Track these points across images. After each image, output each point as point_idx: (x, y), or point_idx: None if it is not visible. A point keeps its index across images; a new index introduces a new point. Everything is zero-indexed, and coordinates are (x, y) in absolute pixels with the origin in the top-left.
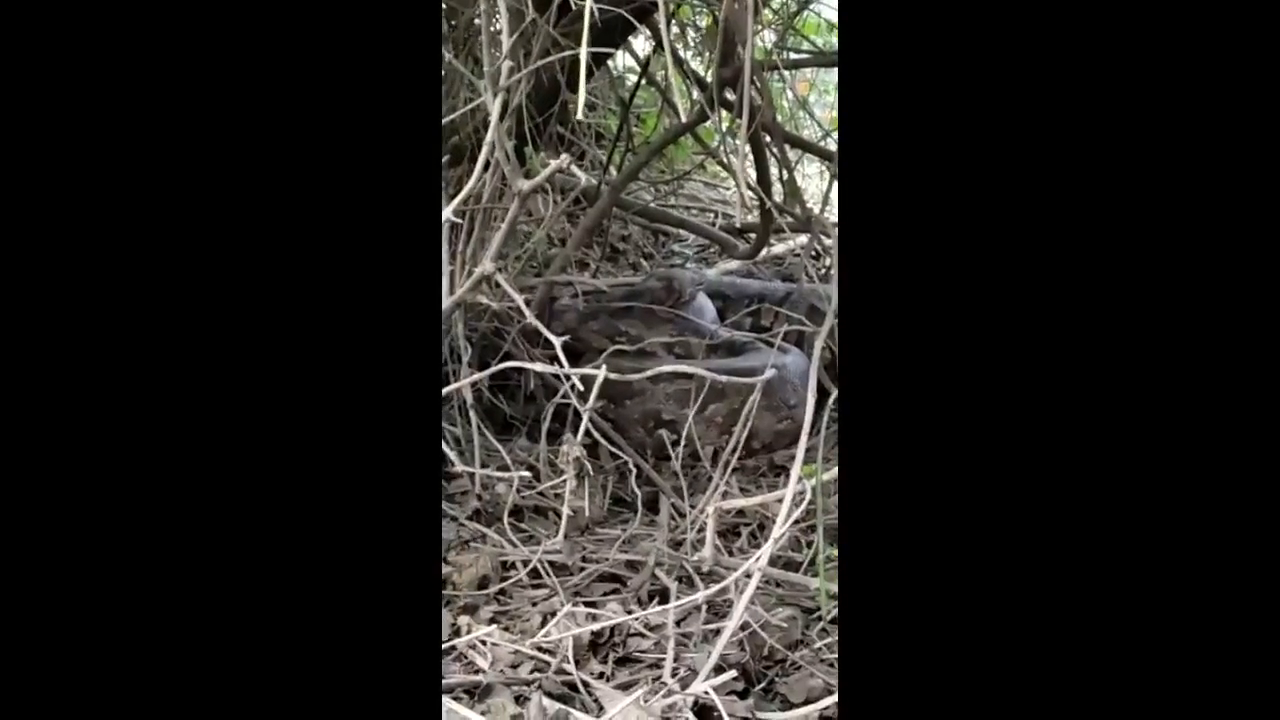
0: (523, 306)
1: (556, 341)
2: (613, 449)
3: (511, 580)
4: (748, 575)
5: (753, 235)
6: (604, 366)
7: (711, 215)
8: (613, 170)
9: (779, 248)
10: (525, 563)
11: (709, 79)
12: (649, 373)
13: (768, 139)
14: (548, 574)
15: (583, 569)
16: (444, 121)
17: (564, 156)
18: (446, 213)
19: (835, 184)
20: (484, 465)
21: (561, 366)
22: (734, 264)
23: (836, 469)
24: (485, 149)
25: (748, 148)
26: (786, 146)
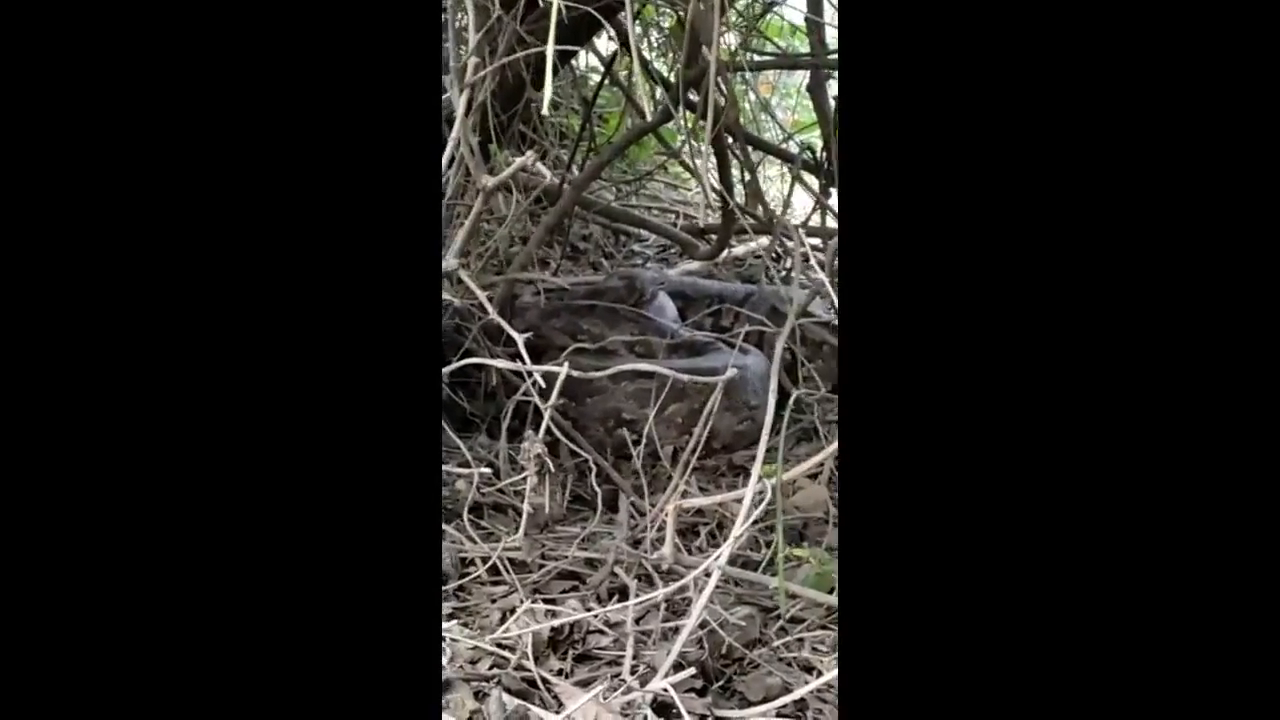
0: (485, 303)
1: (519, 338)
2: (573, 447)
3: (470, 577)
4: (707, 574)
5: (713, 236)
6: (566, 364)
7: (672, 216)
8: (575, 169)
9: (739, 249)
10: (484, 559)
11: (673, 79)
12: (610, 370)
13: (730, 141)
14: (507, 571)
15: (542, 566)
16: None
17: (529, 154)
18: None
19: (795, 186)
20: (444, 462)
21: (524, 363)
22: (694, 265)
23: (795, 468)
24: (450, 145)
25: (712, 149)
26: (748, 148)
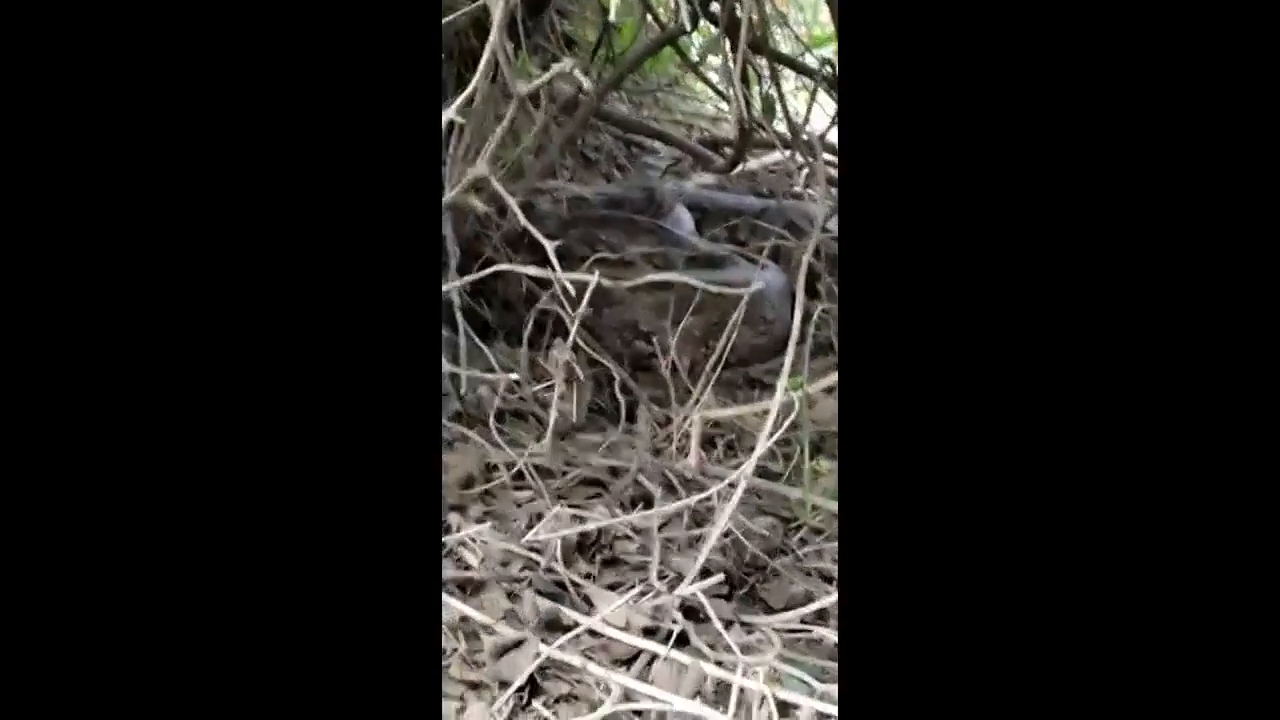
0: (516, 210)
1: (549, 246)
2: (593, 355)
3: (496, 482)
4: (731, 485)
5: (728, 150)
6: (597, 274)
7: (685, 128)
8: (590, 79)
9: (753, 164)
10: (510, 465)
11: None
12: (637, 281)
13: (753, 54)
14: (532, 477)
15: (565, 473)
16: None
17: (566, 60)
18: (449, 114)
19: (815, 100)
20: (466, 367)
21: (555, 271)
22: (708, 177)
23: (815, 383)
24: (487, 51)
25: (736, 61)
26: (763, 62)
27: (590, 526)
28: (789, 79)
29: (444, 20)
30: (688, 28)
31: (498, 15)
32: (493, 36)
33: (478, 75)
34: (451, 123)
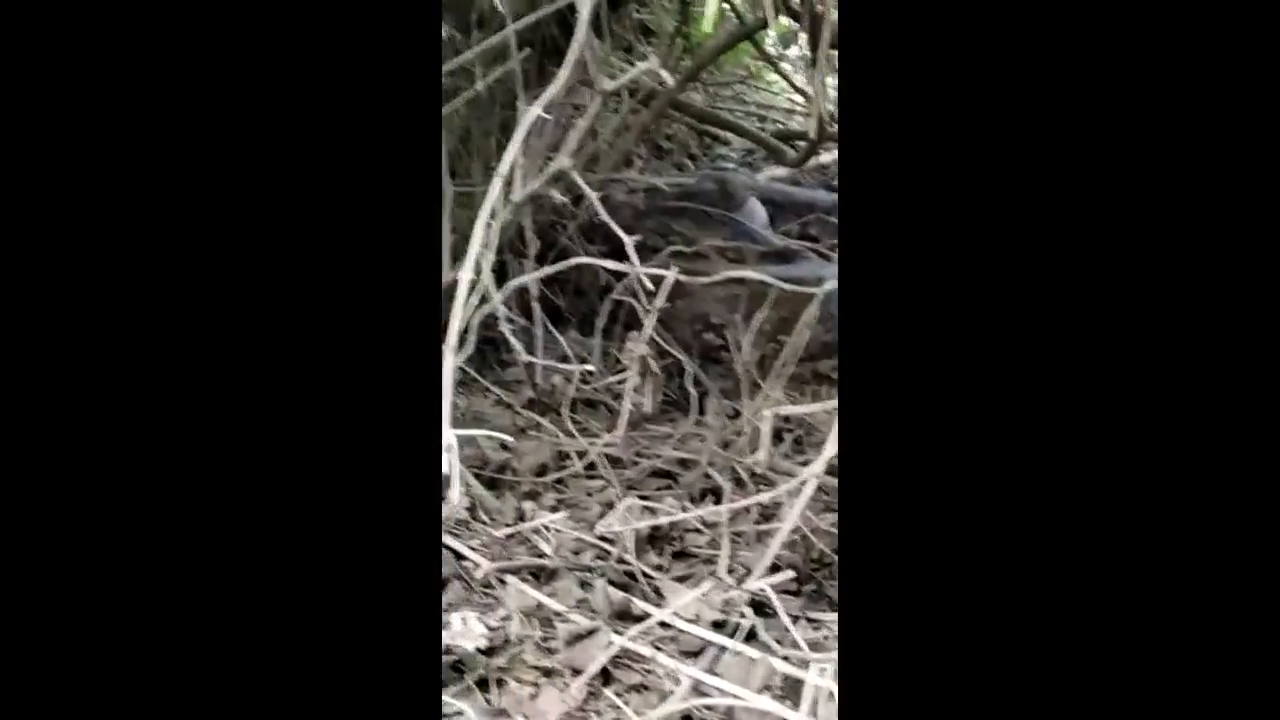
0: (596, 203)
1: (628, 240)
2: (664, 347)
3: (568, 470)
4: (802, 482)
5: (801, 143)
6: (673, 268)
7: (757, 120)
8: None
9: (825, 157)
10: (581, 454)
11: None
12: (714, 278)
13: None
14: (605, 467)
15: (636, 463)
16: (528, 17)
17: (652, 58)
18: (536, 108)
19: None
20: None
21: (633, 264)
22: (780, 171)
23: None
24: (574, 47)
25: (819, 58)
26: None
27: (662, 519)
28: None
29: (532, 15)
30: (769, 20)
31: (584, 11)
32: (579, 33)
33: (563, 72)
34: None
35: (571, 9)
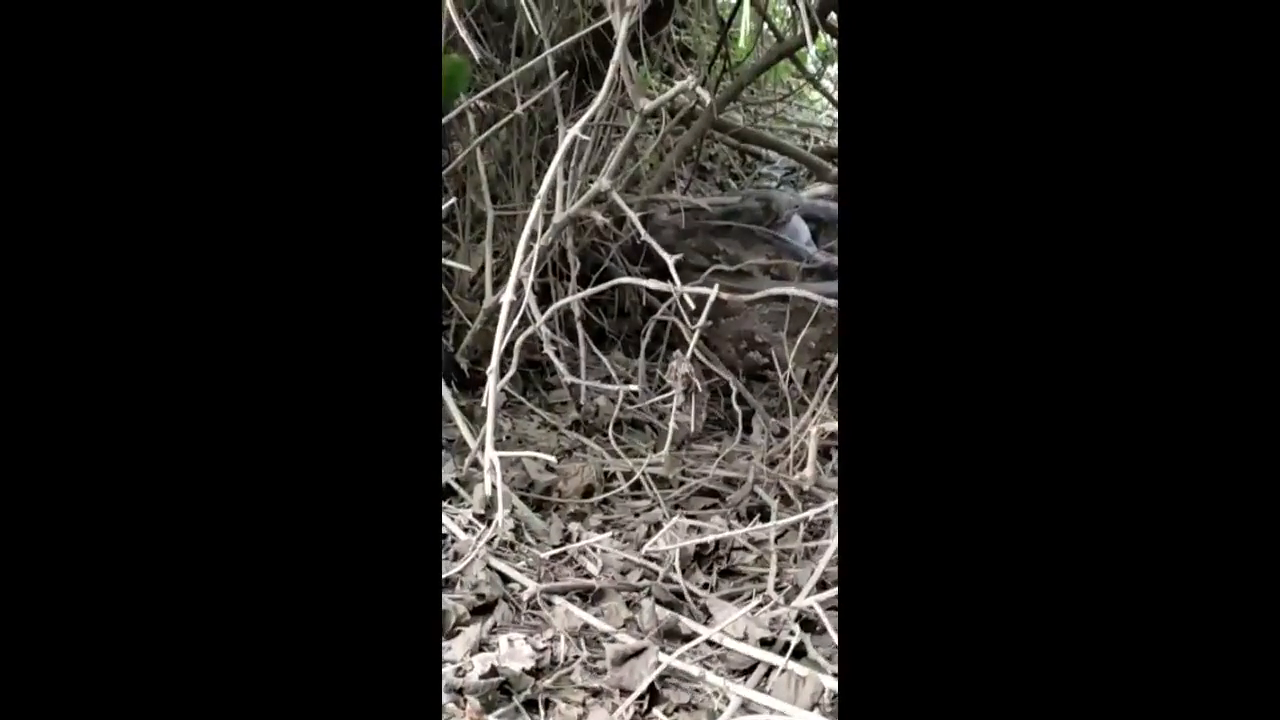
0: (636, 223)
1: (669, 259)
2: (709, 365)
3: (614, 491)
4: None
5: None
6: (716, 287)
7: (799, 138)
8: (707, 90)
9: None
10: (627, 474)
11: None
12: (757, 295)
13: None
14: (650, 486)
15: (682, 483)
16: (563, 42)
17: (689, 78)
18: (574, 130)
19: None
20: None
21: (674, 284)
22: (824, 188)
23: None
24: (611, 69)
25: None
26: None
27: (708, 538)
28: None
29: (573, 36)
30: (807, 40)
31: (621, 33)
32: (617, 55)
33: (601, 94)
34: (573, 138)
35: (610, 31)
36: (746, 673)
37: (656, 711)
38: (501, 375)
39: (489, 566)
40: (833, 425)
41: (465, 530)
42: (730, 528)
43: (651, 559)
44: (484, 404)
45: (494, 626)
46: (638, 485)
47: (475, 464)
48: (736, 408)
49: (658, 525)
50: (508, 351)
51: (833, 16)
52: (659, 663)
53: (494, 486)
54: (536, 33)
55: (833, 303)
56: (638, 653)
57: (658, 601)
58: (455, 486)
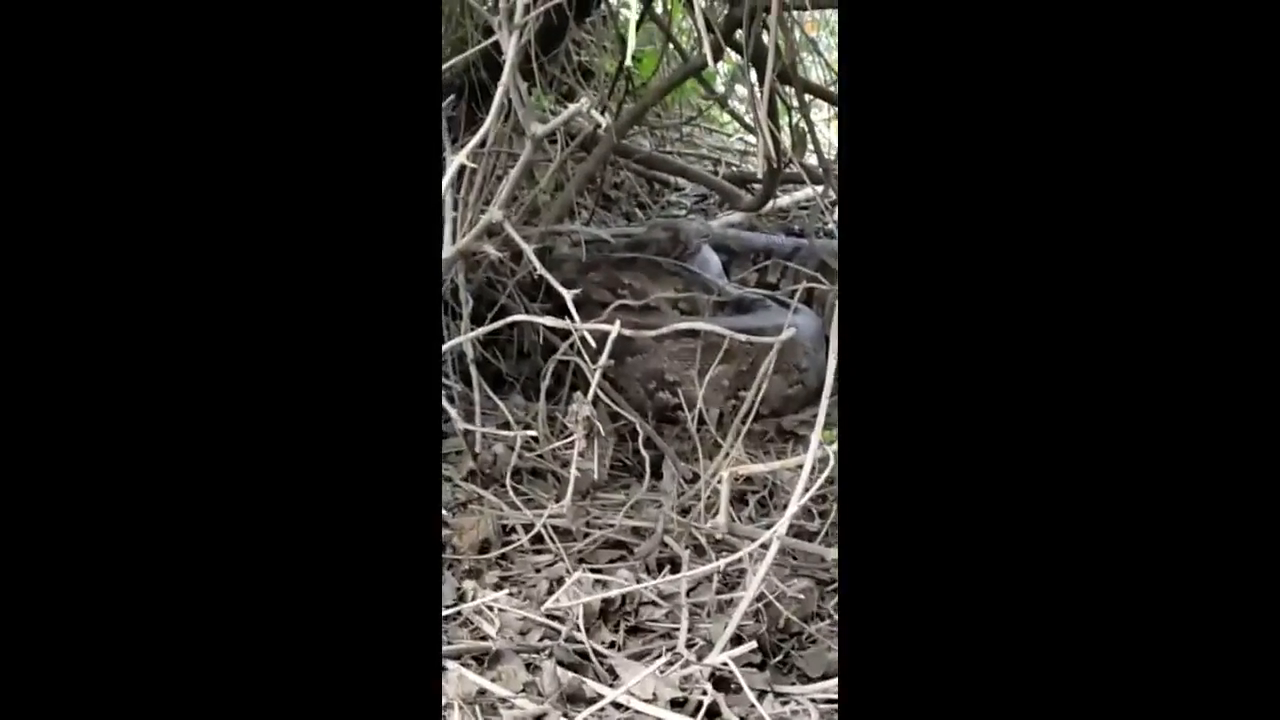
0: (532, 257)
1: (568, 295)
2: (615, 409)
3: (513, 545)
4: (764, 546)
5: (757, 186)
6: (618, 323)
7: (710, 163)
8: (609, 114)
9: (784, 200)
10: (527, 527)
11: (718, 20)
12: (662, 330)
13: (781, 84)
14: (552, 539)
15: (587, 535)
16: (450, 62)
17: (583, 100)
18: (460, 157)
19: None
20: (481, 424)
21: (573, 321)
22: (736, 216)
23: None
24: (500, 91)
25: (762, 92)
26: (790, 91)
27: (614, 592)
28: (821, 109)
29: (456, 57)
30: (710, 61)
31: (510, 53)
32: (505, 76)
33: (490, 118)
34: (462, 165)
35: (500, 51)
36: None
37: None
38: None
39: None
40: (747, 468)
41: None
42: (638, 581)
43: (553, 617)
44: None
45: None
46: (539, 538)
47: None
48: (645, 452)
49: (560, 581)
50: None
51: (739, 34)
52: None
53: None
54: None
55: (744, 338)
56: (538, 719)
57: (560, 663)
58: None
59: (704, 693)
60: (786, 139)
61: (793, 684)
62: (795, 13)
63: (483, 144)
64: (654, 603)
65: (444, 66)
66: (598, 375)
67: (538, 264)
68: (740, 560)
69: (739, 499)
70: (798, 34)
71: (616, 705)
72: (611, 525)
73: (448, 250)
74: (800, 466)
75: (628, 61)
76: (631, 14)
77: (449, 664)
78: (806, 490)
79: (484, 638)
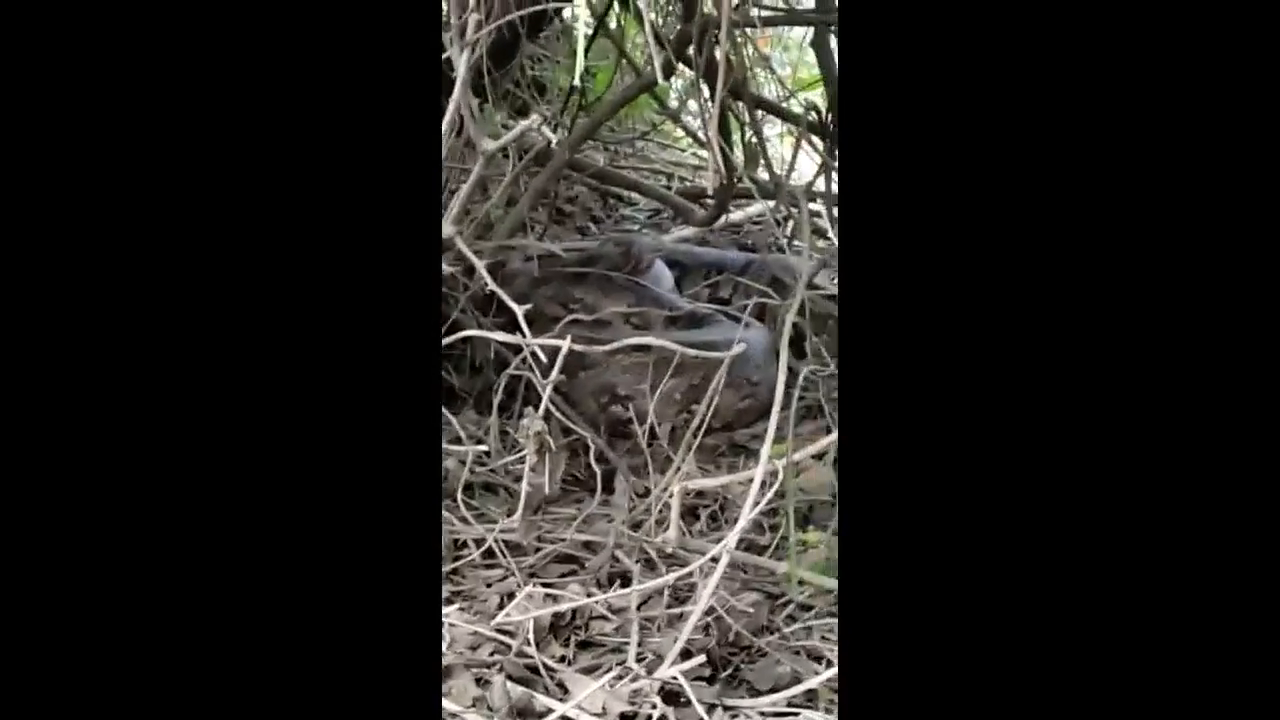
0: (484, 273)
1: (519, 310)
2: (566, 423)
3: (464, 560)
4: (714, 559)
5: (710, 201)
6: (569, 338)
7: (664, 178)
8: (563, 128)
9: (737, 215)
10: (479, 541)
11: (670, 34)
12: (613, 346)
13: (732, 99)
14: (503, 554)
15: (538, 549)
16: None
17: (534, 116)
18: None
19: (800, 149)
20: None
21: (524, 336)
22: (689, 231)
23: (803, 449)
24: (451, 107)
25: (714, 108)
26: (754, 109)
27: (564, 606)
28: (772, 125)
29: None
30: (660, 78)
31: (461, 69)
32: (456, 92)
33: (442, 132)
34: None
35: (451, 66)
36: None
37: None
38: None
39: None
40: (698, 483)
41: None
42: (589, 595)
43: (504, 632)
44: None
45: None
46: (490, 553)
47: None
48: (596, 466)
49: (511, 595)
50: None
51: (690, 50)
52: None
53: None
54: None
55: (695, 353)
56: None
57: (509, 678)
58: None
59: (654, 707)
60: (739, 155)
61: (742, 698)
62: (748, 30)
63: None
64: (604, 617)
65: None
66: (549, 390)
67: (489, 279)
68: (691, 574)
69: (690, 513)
70: (750, 50)
71: None
72: (563, 540)
73: None
74: (750, 480)
75: (578, 77)
76: (582, 28)
77: None
78: (756, 504)
79: None
